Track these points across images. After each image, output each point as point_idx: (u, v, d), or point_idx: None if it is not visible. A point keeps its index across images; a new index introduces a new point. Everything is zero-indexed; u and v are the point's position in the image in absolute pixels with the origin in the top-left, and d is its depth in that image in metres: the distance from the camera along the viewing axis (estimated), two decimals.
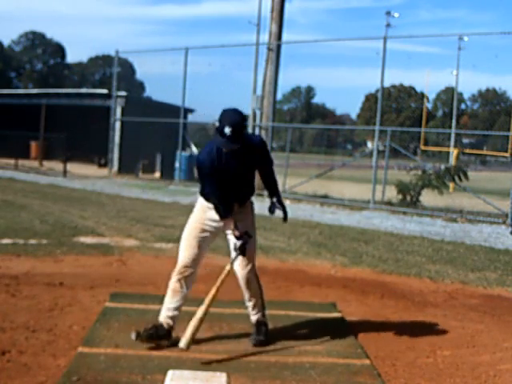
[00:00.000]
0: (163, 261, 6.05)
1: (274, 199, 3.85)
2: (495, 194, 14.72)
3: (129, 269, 5.75)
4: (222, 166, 3.59)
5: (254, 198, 3.93)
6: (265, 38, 16.04)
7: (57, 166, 19.21)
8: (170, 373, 2.65)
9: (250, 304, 3.86)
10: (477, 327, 4.46)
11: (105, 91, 21.00)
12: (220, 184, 3.62)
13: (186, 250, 3.77)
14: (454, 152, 25.17)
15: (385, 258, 7.03)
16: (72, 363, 3.29)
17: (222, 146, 3.54)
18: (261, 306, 3.87)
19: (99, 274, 5.41)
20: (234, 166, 3.63)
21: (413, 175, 14.32)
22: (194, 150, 17.70)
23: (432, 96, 74.20)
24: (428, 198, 13.46)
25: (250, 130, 14.13)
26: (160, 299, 3.87)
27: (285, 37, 15.85)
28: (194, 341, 3.51)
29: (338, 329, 4.17)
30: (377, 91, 18.59)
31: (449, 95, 60.96)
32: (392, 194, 13.66)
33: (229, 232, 3.79)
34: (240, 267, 3.77)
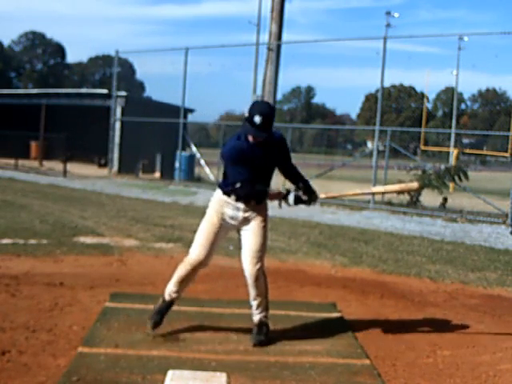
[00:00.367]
0: (163, 261, 6.06)
1: (299, 192, 3.86)
2: (495, 194, 14.73)
3: (129, 269, 5.74)
4: (248, 155, 3.64)
5: None
6: (265, 38, 16.10)
7: (57, 165, 19.20)
8: (170, 373, 2.65)
9: (254, 303, 3.85)
10: (477, 327, 4.46)
11: (105, 91, 20.99)
12: (245, 171, 3.65)
13: (200, 243, 3.81)
14: (453, 152, 25.19)
15: (385, 258, 7.03)
16: (72, 363, 3.29)
17: (252, 134, 3.61)
18: (265, 306, 3.87)
19: (99, 273, 5.41)
20: (259, 157, 3.68)
21: (413, 175, 14.32)
22: (194, 149, 17.69)
23: (432, 96, 74.36)
24: (428, 198, 13.46)
25: None
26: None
27: (285, 37, 15.89)
28: (194, 341, 3.51)
29: (338, 329, 4.17)
30: (377, 91, 18.60)
31: (449, 95, 61.02)
32: (392, 194, 13.65)
33: (242, 230, 3.82)
34: (250, 264, 3.75)
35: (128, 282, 5.18)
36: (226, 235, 3.95)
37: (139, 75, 58.26)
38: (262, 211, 3.84)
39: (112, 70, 31.30)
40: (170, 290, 3.90)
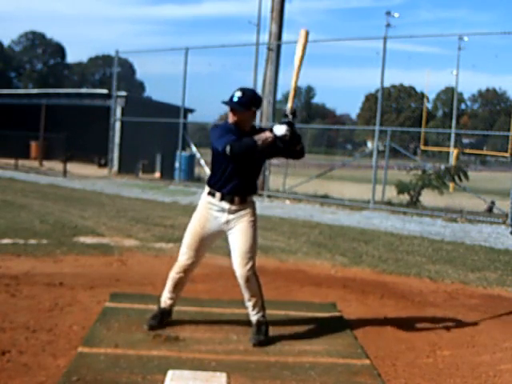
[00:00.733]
0: (163, 261, 6.05)
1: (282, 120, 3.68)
2: (495, 194, 14.74)
3: (129, 269, 5.74)
4: (236, 135, 3.61)
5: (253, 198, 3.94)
6: (265, 38, 16.08)
7: (57, 166, 19.20)
8: (170, 373, 2.64)
9: (249, 304, 3.85)
10: (477, 327, 4.46)
11: (105, 91, 21.00)
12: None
13: (188, 246, 3.85)
14: (453, 152, 25.22)
15: (385, 258, 7.03)
16: (72, 363, 3.29)
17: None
18: (260, 306, 3.87)
19: (99, 273, 5.41)
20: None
21: (413, 175, 14.35)
22: (194, 149, 17.68)
23: (432, 96, 74.27)
24: (428, 197, 13.47)
25: None
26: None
27: (285, 37, 15.85)
28: (194, 341, 3.51)
29: (338, 329, 4.17)
30: (377, 91, 18.59)
31: (449, 95, 60.97)
32: (392, 194, 13.66)
33: (230, 231, 3.81)
34: (240, 266, 3.75)
35: (128, 282, 5.17)
36: (215, 239, 3.96)
37: (139, 75, 58.24)
38: (248, 210, 3.82)
39: (112, 70, 31.29)
40: (165, 297, 3.96)
